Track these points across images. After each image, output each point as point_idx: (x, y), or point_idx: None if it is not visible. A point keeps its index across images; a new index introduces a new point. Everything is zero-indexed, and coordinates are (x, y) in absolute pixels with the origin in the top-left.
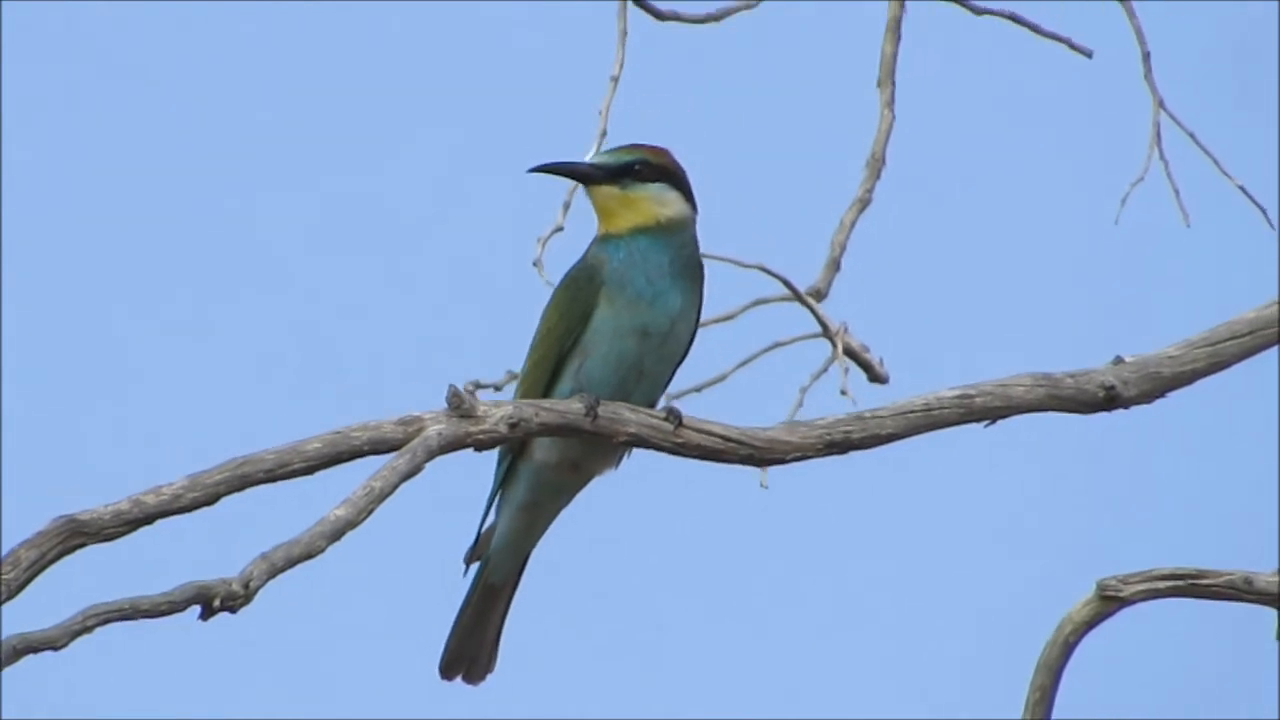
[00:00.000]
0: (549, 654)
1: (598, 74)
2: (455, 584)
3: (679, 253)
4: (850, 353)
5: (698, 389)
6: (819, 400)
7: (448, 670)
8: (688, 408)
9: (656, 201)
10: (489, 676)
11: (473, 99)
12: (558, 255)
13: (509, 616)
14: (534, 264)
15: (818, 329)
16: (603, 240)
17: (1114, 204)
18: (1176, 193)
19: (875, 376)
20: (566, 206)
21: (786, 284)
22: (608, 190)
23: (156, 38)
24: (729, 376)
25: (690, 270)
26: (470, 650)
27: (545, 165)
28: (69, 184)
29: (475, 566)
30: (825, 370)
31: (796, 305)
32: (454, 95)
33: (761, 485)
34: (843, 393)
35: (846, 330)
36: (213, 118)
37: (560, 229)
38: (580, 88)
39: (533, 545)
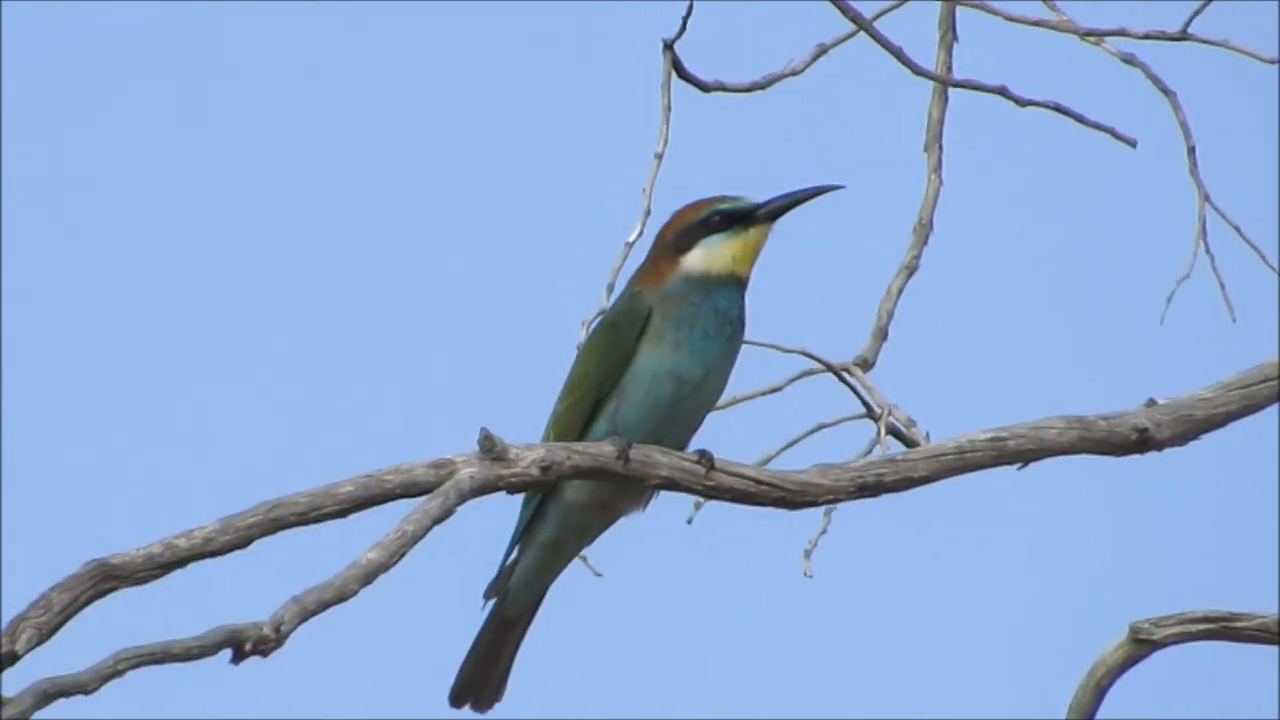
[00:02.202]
0: (559, 687)
1: (640, 145)
2: (471, 616)
3: (742, 308)
4: (895, 432)
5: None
6: (817, 439)
7: (457, 699)
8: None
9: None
10: (496, 705)
11: (515, 170)
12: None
13: (522, 647)
14: (578, 348)
15: (861, 406)
16: (698, 280)
17: (1159, 289)
18: (1222, 287)
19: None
20: (610, 289)
21: (831, 368)
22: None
23: (160, 40)
24: (774, 459)
25: (741, 326)
26: (481, 680)
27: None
28: (82, 216)
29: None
30: (869, 452)
31: (841, 381)
32: (498, 168)
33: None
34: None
35: (892, 409)
36: (245, 153)
37: (603, 313)
38: (625, 156)
39: (552, 580)
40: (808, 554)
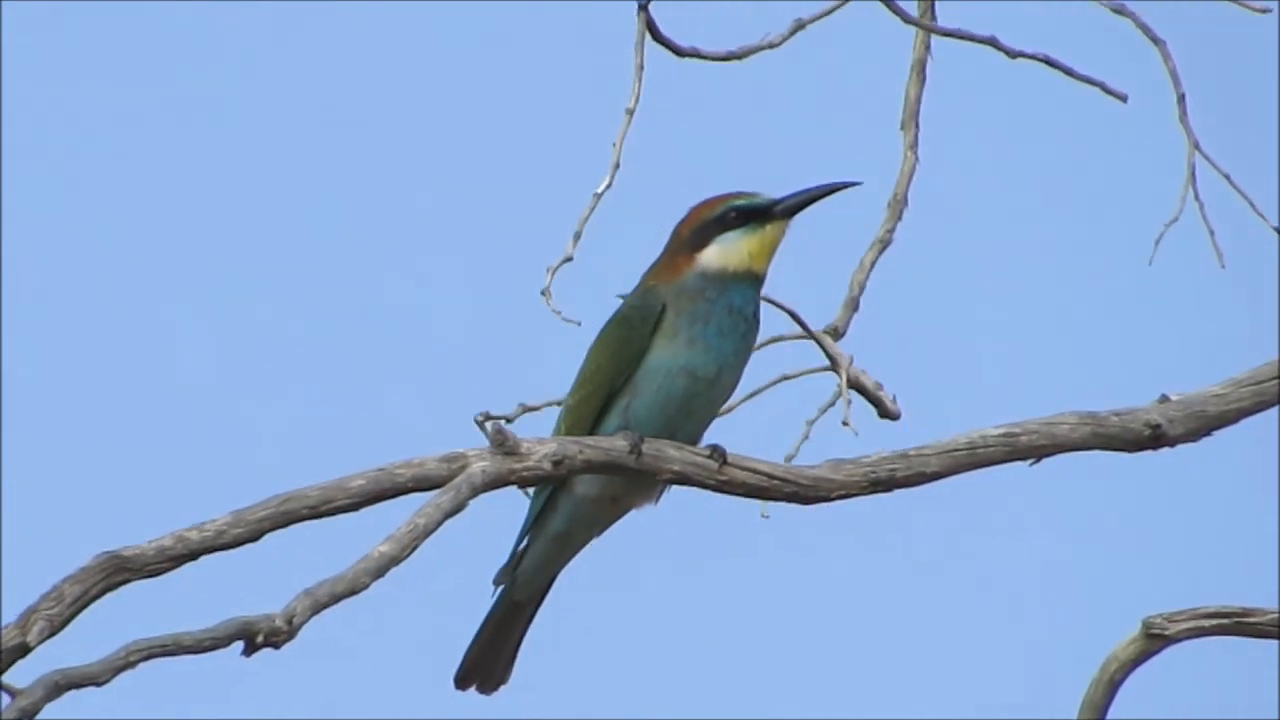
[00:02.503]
0: (567, 668)
1: (615, 108)
2: (480, 602)
3: (757, 305)
4: (860, 388)
5: None
6: (830, 436)
7: (463, 681)
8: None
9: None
10: (502, 688)
11: (487, 132)
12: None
13: (529, 630)
14: (542, 293)
15: (826, 362)
16: (714, 276)
17: (1148, 243)
18: (1211, 233)
19: (886, 413)
20: (577, 236)
21: (793, 315)
22: (783, 226)
23: (166, 42)
24: (735, 409)
25: (756, 323)
26: (488, 662)
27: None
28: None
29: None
30: (833, 404)
31: (815, 342)
32: (469, 127)
33: (762, 515)
34: (844, 423)
35: (853, 362)
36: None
37: (569, 259)
38: (597, 123)
39: (561, 568)
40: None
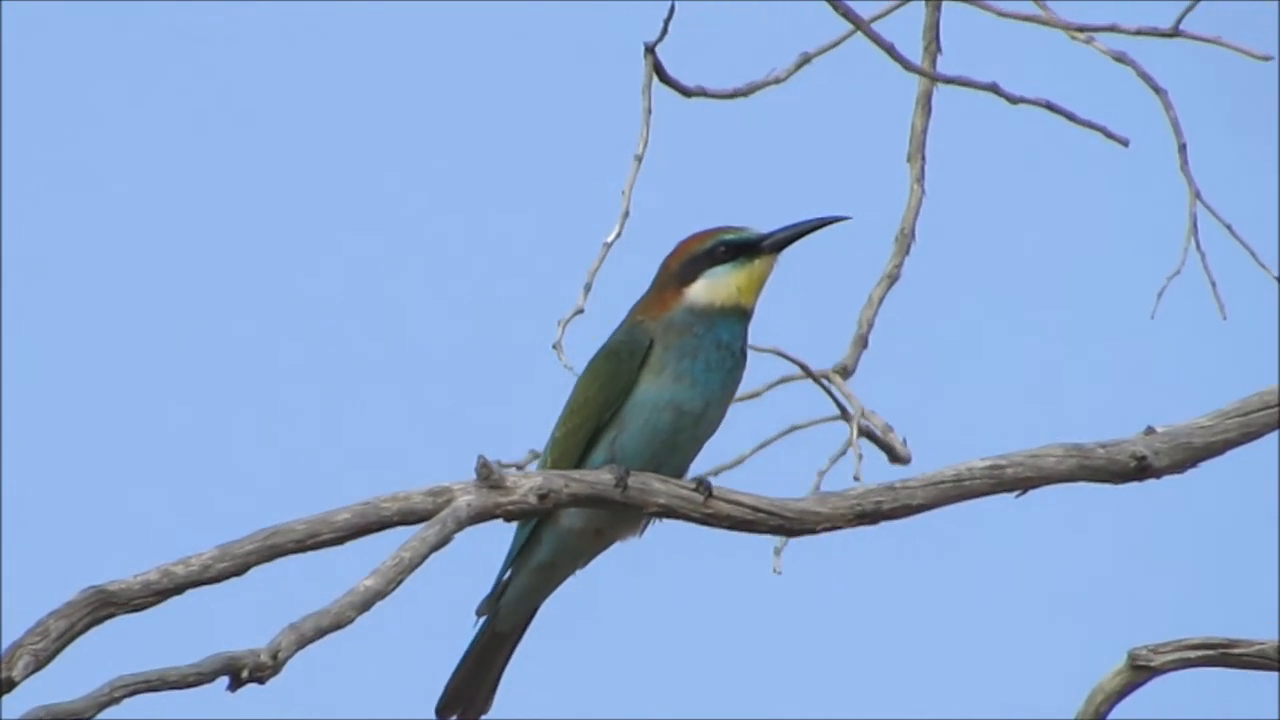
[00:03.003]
0: (547, 700)
1: (622, 149)
2: (462, 631)
3: (745, 340)
4: (871, 435)
5: (715, 472)
6: (839, 482)
7: (445, 711)
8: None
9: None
10: (484, 718)
11: (494, 176)
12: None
13: (512, 661)
14: (554, 347)
15: (837, 411)
16: (701, 311)
17: (1149, 288)
18: (1213, 284)
19: (897, 458)
20: (588, 288)
21: (804, 368)
22: (771, 261)
23: (168, 42)
24: (747, 459)
25: (743, 358)
26: (470, 692)
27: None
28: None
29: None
30: (843, 453)
31: (815, 382)
32: (479, 172)
33: (775, 571)
34: (855, 479)
35: (864, 414)
36: (238, 179)
37: (580, 311)
38: (605, 162)
39: (545, 598)
40: (778, 551)
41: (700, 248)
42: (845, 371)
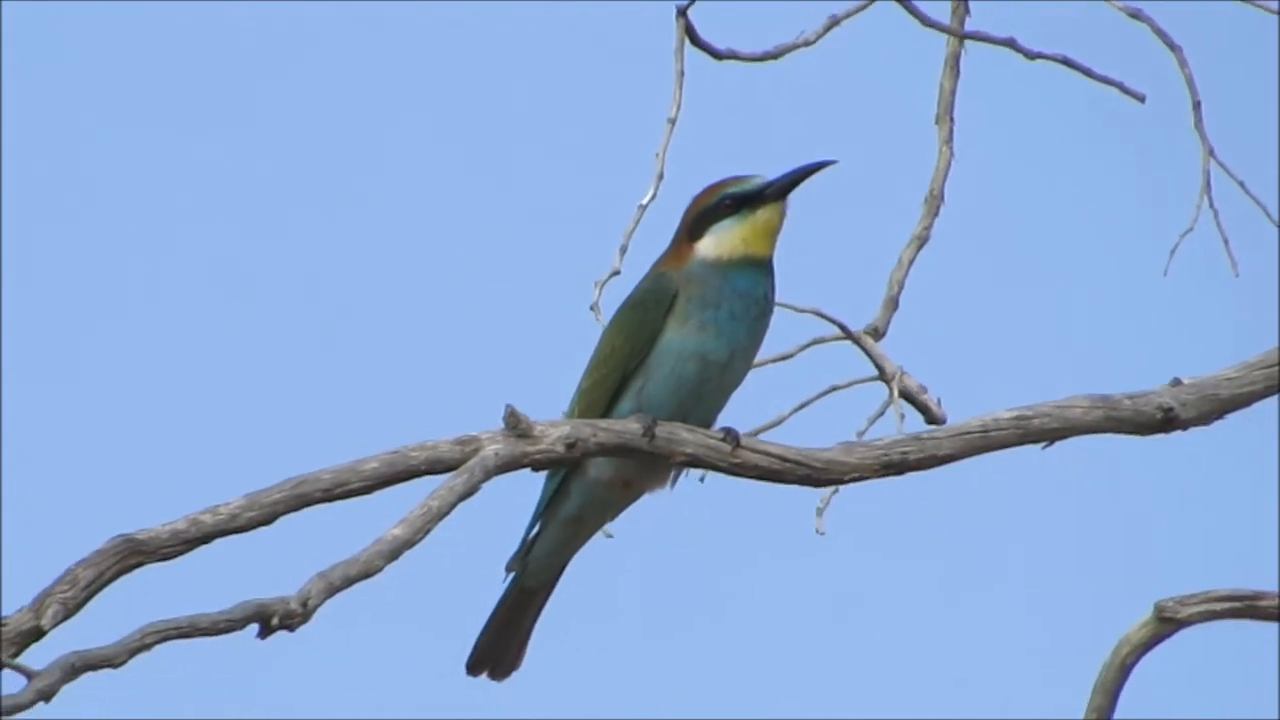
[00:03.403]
0: (576, 657)
1: (655, 112)
2: (492, 587)
3: (771, 289)
4: (907, 395)
5: (755, 434)
6: (850, 421)
7: (475, 667)
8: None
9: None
10: (514, 674)
11: (530, 139)
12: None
13: (541, 617)
14: (591, 308)
15: (874, 370)
16: (713, 265)
17: (1163, 244)
18: (1226, 242)
19: (933, 418)
20: (623, 250)
21: (843, 328)
22: (778, 208)
23: (167, 41)
24: (785, 420)
25: (769, 305)
26: (500, 649)
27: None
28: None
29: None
30: (882, 414)
31: (854, 343)
32: (513, 138)
33: (818, 531)
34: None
35: (903, 374)
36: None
37: (618, 273)
38: (638, 125)
39: (574, 554)
40: (820, 511)
41: (707, 203)
42: (877, 333)
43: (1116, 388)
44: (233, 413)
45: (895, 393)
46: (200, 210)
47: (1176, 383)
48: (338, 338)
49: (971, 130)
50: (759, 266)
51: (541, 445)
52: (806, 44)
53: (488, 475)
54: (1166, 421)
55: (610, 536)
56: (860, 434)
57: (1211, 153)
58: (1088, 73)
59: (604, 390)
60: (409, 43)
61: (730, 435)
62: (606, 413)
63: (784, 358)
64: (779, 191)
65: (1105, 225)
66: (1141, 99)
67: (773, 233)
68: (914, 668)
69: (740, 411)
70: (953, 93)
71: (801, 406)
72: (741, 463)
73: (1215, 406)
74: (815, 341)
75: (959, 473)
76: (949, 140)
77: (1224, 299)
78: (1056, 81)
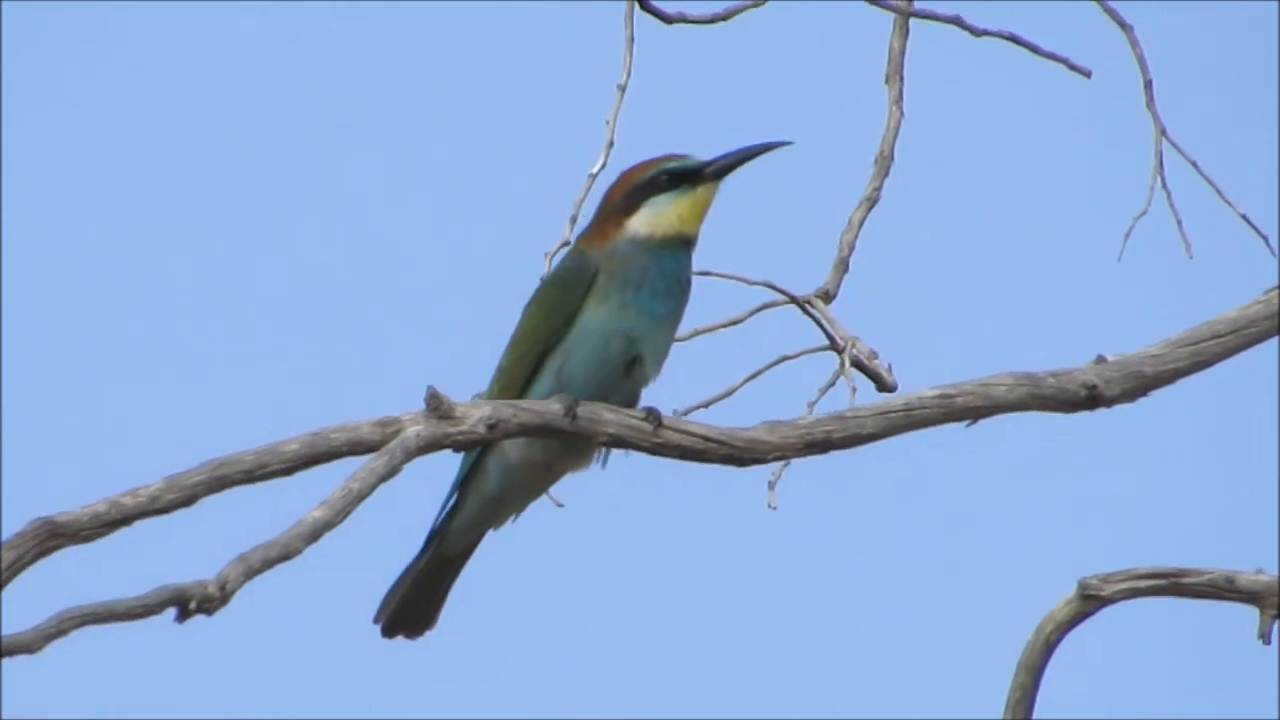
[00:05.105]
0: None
1: (603, 78)
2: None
3: (689, 268)
4: (858, 363)
5: (705, 405)
6: (792, 394)
7: (390, 630)
8: (694, 418)
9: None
10: (427, 633)
11: (474, 106)
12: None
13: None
14: (540, 278)
15: (825, 339)
16: (644, 241)
17: (1117, 223)
18: (1179, 223)
19: (884, 386)
20: (574, 220)
21: (794, 300)
22: (713, 188)
23: (163, 39)
24: (736, 391)
25: (688, 286)
26: (418, 612)
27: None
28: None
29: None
30: (833, 384)
31: (804, 313)
32: (457, 101)
33: (770, 506)
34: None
35: (855, 344)
36: (197, 109)
37: (567, 243)
38: (585, 90)
39: (495, 528)
40: (771, 485)
41: (642, 177)
42: (827, 296)
43: (1065, 361)
44: (152, 395)
45: (847, 365)
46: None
47: (1101, 360)
48: (259, 317)
49: (925, 94)
50: (686, 247)
51: (463, 426)
52: (755, 4)
53: (409, 456)
54: (1091, 399)
55: (561, 506)
56: (812, 404)
57: (1164, 132)
58: (1033, 49)
59: (523, 368)
60: (357, 13)
61: (652, 415)
62: (524, 392)
63: (734, 322)
64: (720, 171)
65: (1055, 196)
66: (1088, 75)
67: (705, 211)
68: (834, 645)
69: (690, 380)
70: (902, 53)
71: (751, 377)
72: (664, 443)
73: (1140, 384)
74: (765, 306)
75: (883, 451)
76: (898, 100)
77: (1174, 277)
78: (1007, 59)
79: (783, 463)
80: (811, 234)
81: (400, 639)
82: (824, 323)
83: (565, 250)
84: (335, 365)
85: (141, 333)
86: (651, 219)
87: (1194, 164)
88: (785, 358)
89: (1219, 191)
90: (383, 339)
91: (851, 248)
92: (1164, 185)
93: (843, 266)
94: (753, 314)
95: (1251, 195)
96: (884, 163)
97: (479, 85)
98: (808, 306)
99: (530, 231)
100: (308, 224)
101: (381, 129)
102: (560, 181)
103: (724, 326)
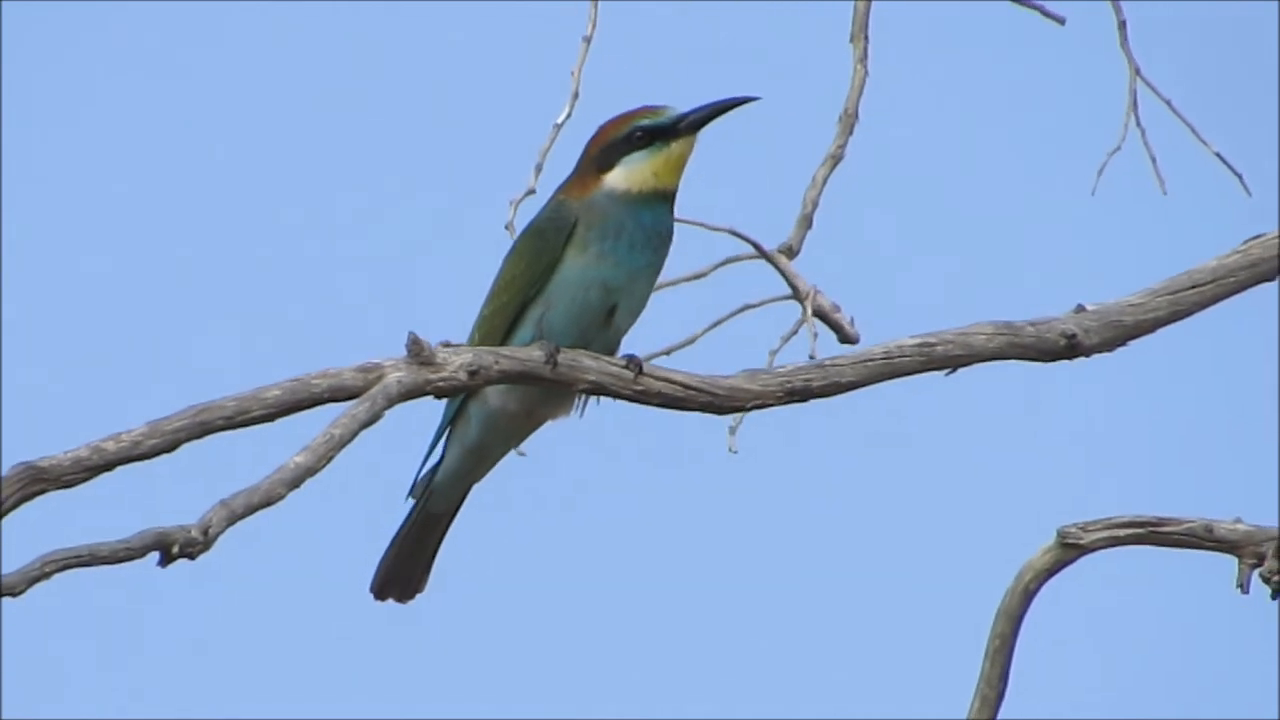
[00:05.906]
0: (482, 579)
1: (570, 30)
2: (395, 513)
3: (670, 219)
4: (820, 314)
5: (667, 352)
6: (789, 361)
7: (381, 592)
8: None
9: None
10: (418, 596)
11: (444, 57)
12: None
13: (446, 539)
14: (506, 227)
15: (788, 289)
16: (620, 197)
17: (1091, 164)
18: (1153, 160)
19: (846, 337)
20: (539, 169)
21: (757, 247)
22: (690, 142)
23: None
24: (698, 339)
25: (669, 237)
26: (406, 573)
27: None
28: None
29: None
30: (795, 333)
31: (768, 262)
32: (424, 54)
33: (730, 450)
34: (811, 357)
35: (817, 293)
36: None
37: (532, 192)
38: (552, 42)
39: (478, 480)
40: (732, 430)
41: (617, 134)
42: (790, 252)
43: (1041, 310)
44: (135, 340)
45: (809, 311)
46: (110, 136)
47: (1080, 309)
48: (241, 262)
49: (889, 51)
50: (665, 200)
51: (444, 373)
52: None
53: (390, 403)
54: (1070, 348)
55: (523, 455)
56: (774, 353)
57: (1138, 71)
58: None
59: (504, 317)
60: None
61: (633, 363)
62: (505, 340)
63: (697, 276)
64: (693, 125)
65: (1027, 142)
66: (1061, 21)
67: (683, 165)
68: (811, 593)
69: (652, 331)
70: (867, 11)
71: (714, 326)
72: (644, 390)
73: (1119, 333)
74: (729, 260)
75: (863, 399)
76: (864, 59)
77: (1150, 218)
78: (976, 9)
79: (743, 411)
80: (776, 191)
81: (391, 602)
82: (787, 274)
83: (530, 198)
84: (314, 318)
85: (124, 278)
86: (628, 175)
87: (1168, 102)
88: (748, 306)
89: (1194, 130)
90: (360, 290)
91: (815, 205)
92: (1138, 124)
93: (806, 223)
94: (716, 268)
95: (1228, 138)
96: (848, 120)
97: (449, 36)
98: (771, 257)
99: (498, 181)
100: (286, 179)
101: (351, 79)
102: (529, 133)
103: (687, 280)
